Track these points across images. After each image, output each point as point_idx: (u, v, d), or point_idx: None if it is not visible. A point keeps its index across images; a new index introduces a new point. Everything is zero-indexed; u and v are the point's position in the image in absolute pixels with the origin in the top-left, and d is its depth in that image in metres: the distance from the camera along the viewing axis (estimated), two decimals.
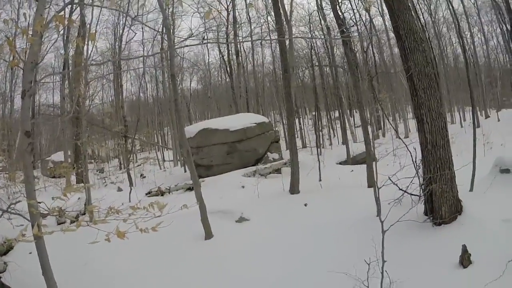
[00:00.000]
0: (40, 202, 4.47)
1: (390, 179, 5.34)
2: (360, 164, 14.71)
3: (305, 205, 9.03)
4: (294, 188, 10.62)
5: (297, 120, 28.38)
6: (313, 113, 28.23)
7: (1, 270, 5.65)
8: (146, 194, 12.90)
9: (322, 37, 24.14)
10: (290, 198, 10.17)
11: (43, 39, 19.35)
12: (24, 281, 5.32)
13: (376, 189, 5.29)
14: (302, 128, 29.12)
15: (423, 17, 23.19)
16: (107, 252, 5.65)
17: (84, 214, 9.17)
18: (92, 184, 13.38)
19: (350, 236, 6.40)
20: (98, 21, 21.05)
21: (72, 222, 5.00)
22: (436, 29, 26.87)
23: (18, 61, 3.66)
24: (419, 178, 6.45)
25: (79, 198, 9.73)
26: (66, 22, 3.50)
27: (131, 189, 12.77)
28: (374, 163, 7.36)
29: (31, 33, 3.47)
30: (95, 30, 19.79)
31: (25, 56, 3.66)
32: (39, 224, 3.58)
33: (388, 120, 19.84)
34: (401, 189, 6.22)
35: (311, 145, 22.65)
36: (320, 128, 20.37)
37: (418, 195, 6.47)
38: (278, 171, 14.45)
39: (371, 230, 4.91)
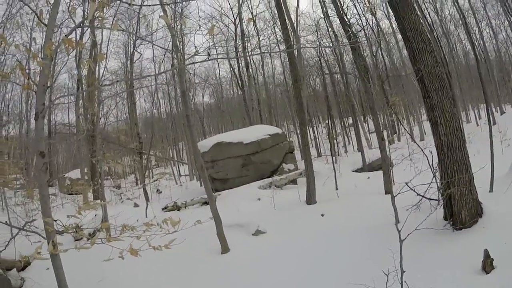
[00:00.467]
0: (56, 220, 4.50)
1: (408, 185, 5.24)
2: (376, 170, 14.53)
3: (322, 215, 8.93)
4: (310, 198, 10.54)
5: (310, 129, 28.26)
6: (327, 121, 28.06)
7: (18, 286, 5.69)
8: (163, 209, 12.92)
9: (330, 45, 24.07)
10: (306, 208, 10.08)
11: (56, 61, 19.83)
12: None
13: (393, 196, 5.17)
14: (316, 137, 28.92)
15: (430, 16, 22.94)
16: (122, 268, 5.63)
17: (100, 231, 9.21)
18: (108, 200, 13.46)
19: (368, 246, 6.28)
20: (109, 41, 21.53)
21: (88, 239, 5.02)
22: (443, 27, 26.45)
23: (31, 84, 3.73)
24: (436, 182, 6.31)
25: (95, 215, 9.79)
26: (75, 45, 3.55)
27: (147, 204, 12.80)
28: (390, 169, 7.29)
29: (42, 57, 3.54)
30: (107, 50, 20.27)
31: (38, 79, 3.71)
32: (54, 242, 3.59)
33: (401, 124, 19.57)
34: (419, 194, 6.10)
35: (326, 153, 22.44)
36: (334, 136, 20.23)
37: (436, 200, 6.33)
38: (294, 181, 14.36)
39: (389, 239, 4.80)
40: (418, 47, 6.27)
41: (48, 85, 3.67)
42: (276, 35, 26.87)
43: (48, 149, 24.27)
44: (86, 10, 14.69)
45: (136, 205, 14.36)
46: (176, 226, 4.18)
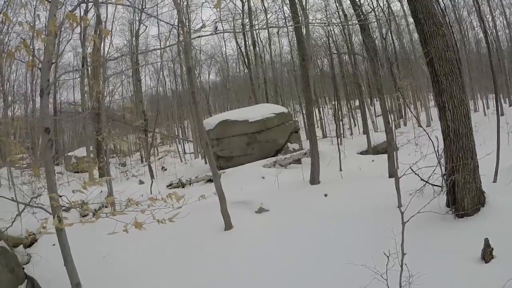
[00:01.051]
0: (61, 196, 4.56)
1: (412, 169, 5.22)
2: (381, 153, 14.48)
3: (325, 195, 8.97)
4: (314, 179, 10.58)
5: (316, 110, 28.11)
6: (333, 102, 27.87)
7: (25, 262, 5.80)
8: (167, 186, 13.03)
9: (339, 23, 23.70)
10: (310, 188, 10.14)
11: (61, 39, 19.78)
12: (47, 272, 5.43)
13: (397, 179, 5.16)
14: (322, 117, 28.80)
15: (443, 1, 22.47)
16: (127, 243, 5.75)
17: (106, 206, 9.33)
18: (113, 177, 13.60)
19: (370, 227, 6.32)
20: (113, 18, 21.37)
21: (94, 214, 5.11)
22: (456, 13, 25.95)
23: (35, 61, 3.74)
24: (441, 168, 6.28)
25: (101, 191, 9.88)
26: (79, 20, 3.54)
27: (152, 181, 12.94)
28: (395, 152, 7.26)
29: (46, 34, 3.53)
30: (112, 28, 20.14)
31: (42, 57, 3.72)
32: (59, 216, 3.65)
33: (409, 108, 19.44)
34: (422, 179, 6.08)
35: (332, 135, 22.40)
36: (340, 118, 20.16)
37: (440, 186, 6.31)
38: (298, 161, 14.37)
39: (391, 221, 4.81)
40: (429, 30, 6.11)
41: (53, 61, 3.67)
42: (284, 13, 26.47)
43: (53, 128, 24.39)
44: None
45: (141, 182, 14.50)
46: (180, 201, 4.23)
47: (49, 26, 3.40)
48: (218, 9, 24.57)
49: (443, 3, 22.13)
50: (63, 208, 5.13)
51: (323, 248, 6.04)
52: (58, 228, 3.72)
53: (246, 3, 24.78)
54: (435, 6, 6.47)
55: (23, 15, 21.18)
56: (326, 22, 24.70)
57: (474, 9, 23.81)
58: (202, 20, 28.86)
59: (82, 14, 14.73)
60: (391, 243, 4.16)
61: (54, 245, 4.87)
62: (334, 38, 28.48)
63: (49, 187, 3.74)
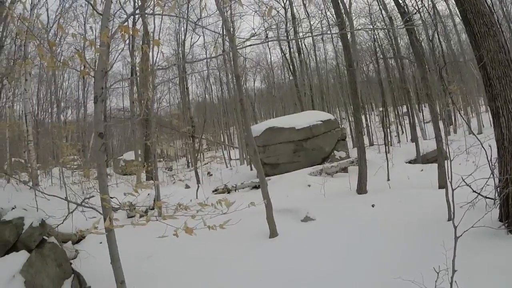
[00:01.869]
0: (112, 197, 4.76)
1: (463, 180, 4.98)
2: (430, 163, 13.96)
3: (373, 205, 8.76)
4: (361, 188, 10.35)
5: (363, 117, 27.58)
6: (380, 109, 27.19)
7: (72, 257, 6.06)
8: (213, 191, 13.21)
9: (384, 27, 23.16)
10: (357, 198, 9.93)
11: (110, 50, 20.78)
12: (93, 268, 5.64)
13: (449, 191, 4.93)
14: (369, 125, 28.18)
15: None
16: (172, 247, 5.85)
17: (153, 209, 9.59)
18: (161, 181, 13.99)
19: (419, 241, 6.07)
20: (160, 29, 22.29)
21: (141, 216, 5.28)
22: (504, 9, 24.43)
23: (89, 70, 3.95)
24: (494, 179, 5.94)
25: (148, 194, 10.19)
26: (130, 32, 3.70)
27: (198, 186, 13.16)
28: (446, 162, 6.96)
29: (98, 44, 3.71)
30: (159, 38, 20.95)
31: (95, 65, 3.91)
32: (110, 218, 3.81)
33: (460, 114, 18.59)
34: (474, 191, 5.77)
35: (379, 142, 21.85)
36: (387, 125, 19.58)
37: (493, 199, 5.97)
38: (345, 170, 14.17)
39: (441, 235, 4.62)
40: (480, 31, 5.80)
41: (106, 70, 3.85)
42: (327, 19, 26.27)
43: (104, 132, 25.57)
44: (137, 1, 15.19)
45: (187, 187, 14.79)
46: (230, 207, 4.28)
47: (101, 37, 3.58)
48: (265, 18, 24.91)
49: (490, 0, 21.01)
50: (113, 209, 5.35)
51: (370, 259, 5.86)
52: (108, 229, 3.88)
53: (289, 9, 24.83)
54: (484, 4, 6.12)
55: (73, 28, 22.55)
56: (372, 27, 24.27)
57: None
58: (253, 28, 29.18)
59: (133, 25, 15.40)
60: (441, 258, 4.00)
61: (101, 243, 5.08)
62: (379, 42, 27.87)
63: (101, 189, 3.91)
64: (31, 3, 16.98)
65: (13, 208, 4.83)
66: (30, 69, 16.85)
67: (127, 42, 19.27)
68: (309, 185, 11.99)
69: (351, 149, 17.27)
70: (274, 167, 15.07)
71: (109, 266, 4.00)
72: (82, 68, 4.08)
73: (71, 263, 5.54)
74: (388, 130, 21.28)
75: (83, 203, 4.60)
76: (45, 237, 5.04)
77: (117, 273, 3.98)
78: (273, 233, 7.53)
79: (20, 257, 4.41)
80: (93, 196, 5.00)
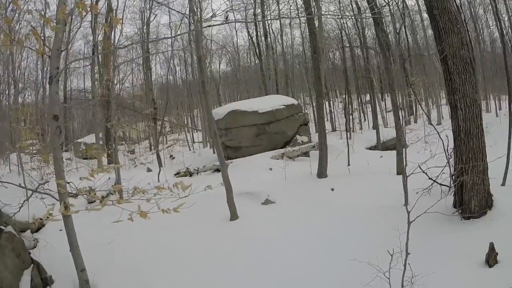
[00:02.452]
0: (69, 182, 4.61)
1: (420, 167, 5.17)
2: (390, 150, 14.43)
3: (332, 189, 8.96)
4: (322, 172, 10.56)
5: (327, 103, 27.93)
6: (344, 96, 27.65)
7: (31, 246, 5.87)
8: (175, 174, 13.08)
9: (352, 16, 23.43)
10: (317, 182, 10.12)
11: (72, 27, 19.92)
12: (53, 257, 5.48)
13: (405, 177, 5.11)
14: (332, 111, 28.54)
15: None
16: (132, 231, 5.79)
17: (113, 194, 9.41)
18: (122, 165, 13.70)
19: (375, 224, 6.30)
20: (124, 7, 21.46)
21: (101, 201, 5.16)
22: (472, 10, 25.45)
23: (45, 49, 3.75)
24: (450, 168, 6.21)
25: (109, 178, 9.97)
26: (88, 9, 3.54)
27: (160, 169, 13.00)
28: (404, 149, 7.19)
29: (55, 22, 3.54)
30: (122, 16, 20.25)
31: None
32: (66, 203, 3.69)
33: (420, 105, 19.20)
34: (430, 179, 6.02)
35: (341, 128, 22.28)
36: (350, 112, 19.98)
37: (448, 186, 6.24)
38: (306, 154, 14.34)
39: (397, 219, 4.78)
40: (444, 27, 5.99)
41: (62, 49, 3.68)
42: (296, 4, 26.22)
43: (63, 115, 24.71)
44: None
45: (149, 170, 14.58)
46: (187, 190, 4.24)
47: (57, 14, 3.41)
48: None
49: (459, 0, 21.69)
50: (71, 194, 5.19)
51: (328, 242, 6.03)
52: (65, 215, 3.77)
53: None
54: (451, 2, 6.31)
55: (33, 3, 21.35)
56: (340, 14, 24.44)
57: (490, 7, 23.34)
58: (212, 9, 28.73)
59: (93, 2, 14.80)
60: (395, 241, 4.15)
61: (61, 230, 4.92)
62: (347, 31, 28.18)
63: (56, 174, 3.79)
64: None
65: None
66: None
67: (88, 19, 18.50)
68: (270, 169, 12.08)
69: (314, 134, 17.53)
70: (237, 150, 15.08)
71: (68, 254, 3.91)
72: (39, 47, 3.86)
73: (30, 253, 5.35)
74: (351, 117, 21.74)
75: (38, 189, 4.44)
76: (1, 226, 4.82)
77: (77, 261, 3.90)
78: (233, 216, 7.58)
79: None
80: (49, 181, 4.83)
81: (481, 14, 27.68)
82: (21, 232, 5.79)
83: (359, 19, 22.81)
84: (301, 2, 24.53)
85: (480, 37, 27.83)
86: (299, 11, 25.43)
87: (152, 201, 4.07)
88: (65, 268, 4.87)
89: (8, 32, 3.82)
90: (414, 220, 3.99)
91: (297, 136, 15.86)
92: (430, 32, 24.54)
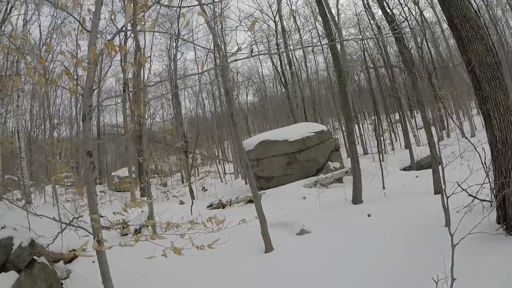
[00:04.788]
0: (102, 216, 4.67)
1: (460, 185, 4.93)
2: (425, 169, 13.97)
3: (369, 215, 8.68)
4: (356, 198, 10.30)
5: (356, 126, 27.66)
6: (372, 117, 27.25)
7: (64, 277, 5.93)
8: (208, 207, 13.11)
9: (373, 37, 23.34)
10: (352, 208, 9.86)
11: (103, 66, 20.82)
12: None
13: (444, 197, 4.87)
14: (362, 133, 28.26)
15: (475, 2, 21.41)
16: (165, 264, 5.69)
17: (147, 226, 9.48)
18: (154, 198, 13.85)
19: (416, 249, 5.97)
20: (152, 45, 22.42)
21: (134, 235, 5.19)
22: (490, 13, 24.78)
23: (77, 87, 3.90)
24: (490, 182, 5.90)
25: (142, 211, 10.06)
26: (116, 49, 3.66)
27: (192, 202, 13.07)
28: (440, 167, 6.91)
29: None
30: (150, 54, 21.12)
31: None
32: (99, 239, 3.71)
33: (452, 119, 18.67)
34: (470, 195, 5.74)
35: (373, 151, 21.86)
36: (380, 133, 19.61)
37: (489, 201, 5.93)
38: (339, 180, 14.14)
39: (439, 242, 4.53)
40: (467, 35, 5.81)
41: (94, 88, 3.80)
42: (317, 30, 26.52)
43: (97, 149, 25.60)
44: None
45: (181, 203, 14.68)
46: (221, 224, 4.19)
47: (89, 55, 3.54)
48: (252, 32, 25.05)
49: (476, 4, 21.22)
50: (104, 227, 5.25)
51: (367, 271, 5.74)
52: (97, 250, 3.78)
53: (279, 23, 25.02)
54: (469, 8, 6.16)
55: (66, 44, 22.61)
56: (361, 37, 24.44)
57: (508, 6, 22.76)
58: (237, 43, 29.37)
59: (121, 42, 15.44)
60: (439, 266, 3.92)
61: (93, 262, 4.94)
62: (369, 52, 28.06)
63: (90, 208, 3.82)
64: (23, 19, 17.03)
65: (2, 228, 4.72)
66: (23, 86, 16.84)
67: (118, 58, 19.33)
68: (304, 197, 11.92)
69: (345, 159, 17.25)
70: (269, 180, 15.01)
71: (101, 286, 3.89)
72: (72, 85, 4.03)
73: (62, 284, 5.40)
74: (382, 138, 21.35)
75: (72, 222, 4.51)
76: (35, 257, 4.93)
77: None
78: (268, 248, 7.42)
79: (9, 278, 4.31)
80: (82, 216, 4.91)
81: (500, 16, 26.87)
82: (54, 262, 5.88)
83: (380, 39, 22.71)
84: (321, 29, 24.88)
85: (503, 39, 26.95)
86: (320, 38, 25.69)
87: (187, 236, 4.04)
88: None
89: (42, 72, 3.98)
90: (458, 243, 3.75)
91: (329, 162, 15.69)
92: (452, 42, 24.15)
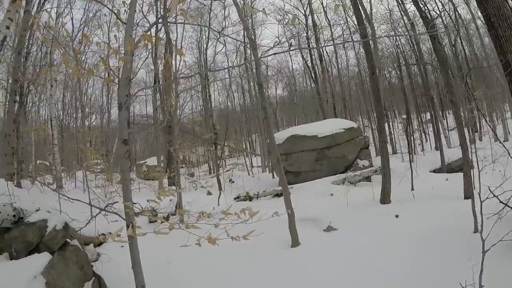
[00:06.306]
0: (135, 203, 4.81)
1: (492, 192, 4.82)
2: (456, 172, 13.66)
3: (396, 216, 8.57)
4: (385, 198, 10.18)
5: (386, 125, 27.13)
6: (403, 116, 26.64)
7: (94, 259, 6.13)
8: (235, 198, 13.23)
9: (407, 34, 22.70)
10: (380, 208, 9.76)
11: (134, 57, 21.41)
12: (114, 272, 5.67)
13: (476, 202, 4.77)
14: (392, 132, 27.73)
15: None
16: (192, 254, 5.86)
17: (174, 215, 9.70)
18: (183, 188, 14.12)
19: (444, 254, 5.87)
20: (182, 38, 22.78)
21: (162, 222, 5.33)
22: None
23: (113, 77, 4.03)
24: None
25: (170, 200, 10.28)
26: (153, 41, 3.76)
27: (220, 193, 13.21)
28: (472, 171, 6.76)
29: (122, 53, 3.79)
30: (181, 47, 21.48)
31: (119, 73, 3.99)
32: (134, 225, 3.84)
33: (486, 121, 18.09)
34: (502, 202, 5.59)
35: (402, 151, 21.43)
36: (411, 133, 19.16)
37: None
38: (368, 178, 14.02)
39: (467, 248, 4.48)
40: (504, 34, 5.62)
41: (130, 78, 3.91)
42: (348, 25, 26.08)
43: (128, 139, 26.24)
44: (159, 10, 15.56)
45: (209, 193, 14.88)
46: (254, 216, 4.23)
47: (125, 46, 3.64)
48: (288, 26, 24.93)
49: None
50: (135, 214, 5.40)
51: (393, 272, 5.68)
52: (131, 236, 3.91)
53: (310, 17, 24.75)
54: (507, 5, 5.93)
55: (98, 36, 23.52)
56: (394, 34, 23.87)
57: None
58: (277, 36, 29.13)
59: (156, 34, 15.72)
60: (466, 272, 3.87)
61: (122, 246, 5.10)
62: (401, 48, 27.37)
63: (124, 195, 3.93)
64: (57, 12, 17.66)
65: (37, 210, 4.91)
66: (56, 76, 17.50)
67: (150, 50, 19.75)
68: (331, 194, 11.88)
69: (374, 158, 17.04)
70: (296, 175, 14.99)
71: (129, 270, 4.01)
72: (106, 75, 4.18)
73: (92, 266, 5.60)
74: (412, 138, 20.91)
75: (106, 208, 4.68)
76: (67, 239, 5.13)
77: (138, 278, 4.00)
78: (295, 243, 7.45)
79: (42, 258, 4.45)
80: (116, 202, 5.06)
81: None
82: (84, 245, 6.09)
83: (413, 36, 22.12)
84: (352, 24, 24.47)
85: None
86: (351, 32, 25.28)
87: (220, 227, 4.10)
88: (124, 284, 4.96)
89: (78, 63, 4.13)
90: (489, 249, 3.69)
91: (358, 160, 15.51)
92: (487, 40, 23.28)
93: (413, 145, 21.25)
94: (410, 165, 12.54)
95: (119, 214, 4.40)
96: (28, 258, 4.46)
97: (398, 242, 6.80)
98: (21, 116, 17.16)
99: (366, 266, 6.09)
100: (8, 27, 9.02)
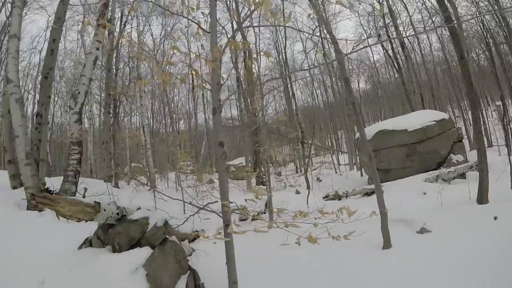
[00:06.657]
0: (232, 202, 5.09)
1: None
2: None
3: (495, 218, 7.88)
4: (482, 197, 9.28)
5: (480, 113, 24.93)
6: (497, 103, 24.08)
7: (189, 254, 6.50)
8: (323, 197, 13.19)
9: (492, 11, 20.43)
10: (477, 208, 8.98)
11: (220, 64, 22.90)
12: (207, 266, 5.94)
13: None
14: (486, 122, 25.29)
15: None
16: (282, 252, 5.93)
17: (264, 213, 10.06)
18: (272, 187, 14.47)
19: None
20: (259, 40, 23.57)
21: (253, 219, 5.59)
22: None
23: (204, 84, 4.38)
24: None
25: (260, 198, 10.61)
26: (240, 46, 4.02)
27: (308, 192, 13.25)
28: None
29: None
30: (259, 49, 22.28)
31: (208, 80, 4.35)
32: (234, 224, 4.12)
33: None
34: None
35: (498, 143, 19.42)
36: (508, 121, 17.33)
37: None
38: (462, 175, 12.99)
39: None
40: None
41: (221, 84, 4.22)
42: (426, 6, 24.34)
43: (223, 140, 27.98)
44: (232, 15, 16.14)
45: (297, 192, 15.02)
46: (352, 216, 4.25)
47: (213, 53, 3.93)
48: (375, 16, 24.12)
49: None
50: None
51: (492, 281, 5.26)
52: (228, 234, 4.18)
53: (385, 3, 23.57)
54: None
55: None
56: (478, 13, 21.60)
57: None
58: (364, 31, 28.26)
59: (233, 39, 16.46)
60: None
61: (215, 243, 5.40)
62: (486, 25, 24.52)
63: (221, 194, 4.20)
64: (137, 30, 19.74)
65: (138, 209, 5.33)
66: (144, 87, 19.37)
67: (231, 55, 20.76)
68: (424, 193, 11.31)
69: (468, 152, 15.82)
70: (386, 173, 14.38)
71: (221, 265, 4.26)
72: (191, 81, 4.55)
73: (188, 260, 5.97)
74: (509, 127, 19.07)
75: (205, 207, 5.06)
76: (166, 235, 5.55)
77: (230, 274, 4.23)
78: (387, 244, 7.22)
79: (143, 252, 4.78)
80: (216, 201, 5.39)
81: None
82: (181, 241, 6.56)
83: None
84: (430, 5, 22.85)
85: None
86: (431, 16, 23.67)
87: (319, 226, 4.18)
88: (216, 279, 5.15)
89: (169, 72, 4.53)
90: None
91: (452, 155, 14.44)
92: None
93: (510, 136, 19.38)
94: (509, 159, 11.36)
95: (217, 212, 4.73)
96: (131, 251, 4.83)
97: (498, 249, 6.15)
98: (115, 125, 19.30)
99: (462, 272, 5.63)
100: (98, 49, 10.21)
